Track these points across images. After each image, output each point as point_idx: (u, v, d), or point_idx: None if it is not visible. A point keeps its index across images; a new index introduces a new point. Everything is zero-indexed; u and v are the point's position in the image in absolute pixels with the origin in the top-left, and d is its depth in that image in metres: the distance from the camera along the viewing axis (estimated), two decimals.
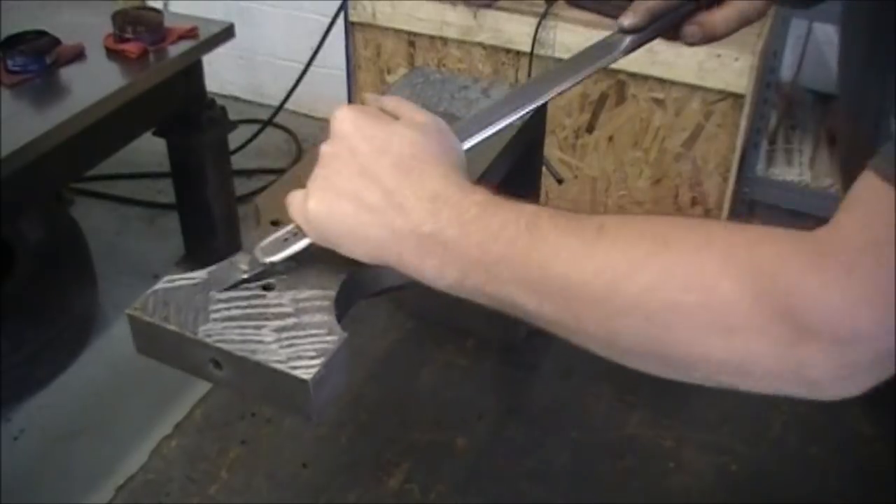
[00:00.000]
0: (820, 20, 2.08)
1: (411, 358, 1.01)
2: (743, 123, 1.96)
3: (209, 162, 2.11)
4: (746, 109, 1.94)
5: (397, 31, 2.17)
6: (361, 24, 2.20)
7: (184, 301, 0.56)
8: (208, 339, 0.53)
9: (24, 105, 1.67)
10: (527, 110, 0.67)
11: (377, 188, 0.54)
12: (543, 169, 1.01)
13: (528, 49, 2.00)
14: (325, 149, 0.57)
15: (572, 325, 0.51)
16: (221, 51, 2.01)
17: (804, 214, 2.11)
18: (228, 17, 2.07)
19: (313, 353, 0.52)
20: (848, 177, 0.68)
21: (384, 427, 0.92)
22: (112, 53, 1.82)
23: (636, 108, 2.03)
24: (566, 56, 1.08)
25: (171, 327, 0.54)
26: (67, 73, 1.76)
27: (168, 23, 1.88)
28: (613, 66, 0.74)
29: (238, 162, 2.51)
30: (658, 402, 0.94)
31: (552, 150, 2.12)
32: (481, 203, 0.52)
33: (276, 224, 0.60)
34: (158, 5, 2.55)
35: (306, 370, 0.51)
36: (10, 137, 1.50)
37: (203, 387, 0.92)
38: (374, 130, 0.56)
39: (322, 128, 2.41)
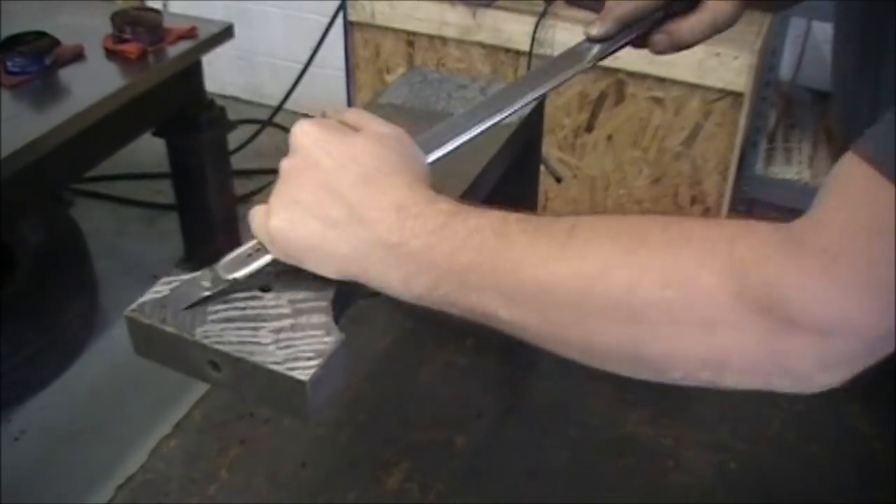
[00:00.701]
0: (819, 19, 2.08)
1: (410, 358, 1.01)
2: (742, 122, 1.97)
3: (209, 162, 2.11)
4: (745, 108, 1.94)
5: (396, 31, 2.17)
6: (360, 24, 2.20)
7: (181, 302, 0.56)
8: (206, 341, 0.53)
9: (23, 106, 1.67)
10: (492, 122, 0.65)
11: (340, 202, 0.52)
12: (542, 168, 1.01)
13: (527, 48, 2.00)
14: (285, 163, 0.55)
15: (547, 330, 0.50)
16: (221, 51, 2.01)
17: (803, 213, 2.11)
18: (228, 17, 2.07)
19: (311, 354, 0.52)
20: None
21: (383, 426, 0.92)
22: (111, 54, 1.82)
23: (635, 107, 2.02)
24: None
25: (169, 329, 0.54)
26: (67, 74, 1.77)
27: (167, 23, 1.89)
28: (612, 65, 0.74)
29: (238, 162, 2.51)
30: (657, 401, 0.94)
31: (551, 149, 2.12)
32: (447, 212, 0.51)
33: None
34: (158, 6, 2.55)
35: (304, 371, 0.51)
36: (10, 138, 1.51)
37: (202, 387, 0.92)
38: (336, 144, 0.54)
39: None
